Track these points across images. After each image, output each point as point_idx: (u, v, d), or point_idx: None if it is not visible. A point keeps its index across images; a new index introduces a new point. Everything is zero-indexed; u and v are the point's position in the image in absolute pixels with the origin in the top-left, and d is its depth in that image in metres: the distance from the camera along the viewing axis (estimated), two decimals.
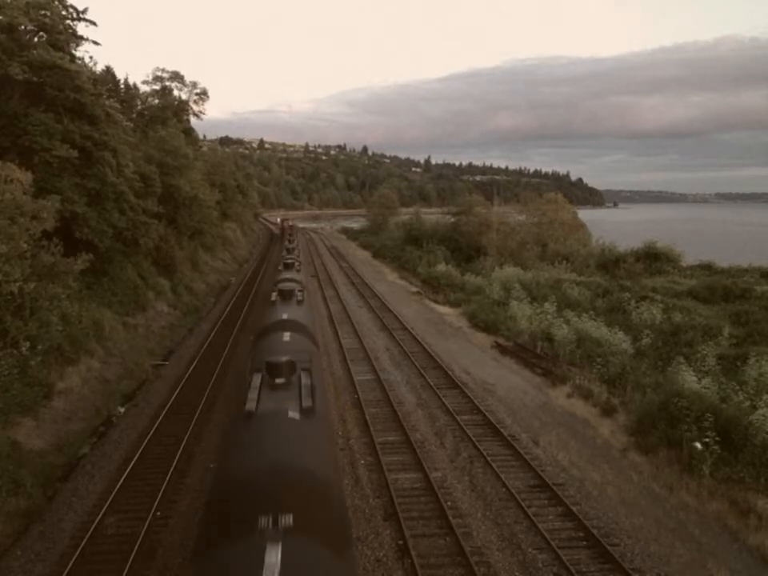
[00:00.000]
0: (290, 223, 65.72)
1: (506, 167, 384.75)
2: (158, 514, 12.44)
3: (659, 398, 17.21)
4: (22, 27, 23.60)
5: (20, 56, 22.38)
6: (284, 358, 9.01)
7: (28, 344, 17.36)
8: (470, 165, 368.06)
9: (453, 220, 61.21)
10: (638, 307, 30.63)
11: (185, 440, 15.90)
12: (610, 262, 47.12)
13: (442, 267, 47.34)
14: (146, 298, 29.37)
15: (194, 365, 22.77)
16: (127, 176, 26.80)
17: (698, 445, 14.84)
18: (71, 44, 26.32)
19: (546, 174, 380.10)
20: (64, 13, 25.89)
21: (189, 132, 54.28)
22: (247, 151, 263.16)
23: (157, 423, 17.08)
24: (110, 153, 25.68)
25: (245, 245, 73.44)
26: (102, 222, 24.33)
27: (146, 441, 15.88)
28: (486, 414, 18.11)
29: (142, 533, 11.58)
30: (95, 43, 28.14)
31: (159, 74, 53.10)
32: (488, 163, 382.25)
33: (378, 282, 45.30)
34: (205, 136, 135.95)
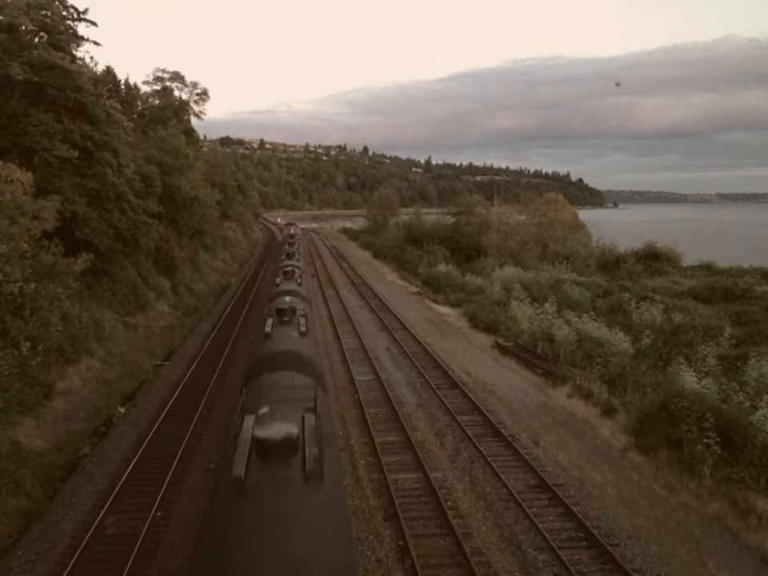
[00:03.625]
0: (292, 231, 59.08)
1: (507, 167, 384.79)
2: (159, 514, 12.44)
3: (659, 399, 17.21)
4: (23, 27, 23.63)
5: (20, 56, 22.40)
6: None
7: (28, 344, 17.35)
8: (470, 165, 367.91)
9: (453, 220, 61.16)
10: (638, 307, 30.64)
11: (185, 441, 15.90)
12: (611, 263, 47.15)
13: (442, 267, 47.32)
14: (146, 298, 29.37)
15: (194, 365, 22.78)
16: (127, 176, 26.79)
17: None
18: (72, 44, 26.32)
19: (547, 175, 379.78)
20: (64, 13, 25.91)
21: (189, 132, 54.25)
22: (248, 151, 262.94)
23: (157, 424, 17.08)
24: (111, 153, 25.68)
25: (245, 245, 73.45)
26: (102, 222, 24.33)
27: (146, 441, 15.88)
28: (487, 414, 18.11)
29: (143, 533, 11.59)
30: (96, 43, 28.20)
31: (160, 74, 53.17)
32: (488, 163, 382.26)
33: (379, 282, 45.29)
34: (205, 136, 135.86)
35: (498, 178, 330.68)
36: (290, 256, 29.86)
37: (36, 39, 24.53)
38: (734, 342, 24.42)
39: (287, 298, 15.50)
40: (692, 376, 19.15)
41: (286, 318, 12.76)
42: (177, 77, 54.48)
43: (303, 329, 12.18)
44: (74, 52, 26.44)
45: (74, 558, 10.82)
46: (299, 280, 20.79)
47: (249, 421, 6.19)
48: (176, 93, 54.76)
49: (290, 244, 37.64)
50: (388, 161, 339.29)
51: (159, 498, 12.92)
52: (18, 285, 17.08)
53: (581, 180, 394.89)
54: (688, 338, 24.89)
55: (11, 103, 22.85)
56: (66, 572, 10.49)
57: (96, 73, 29.72)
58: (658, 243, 48.95)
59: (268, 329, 12.13)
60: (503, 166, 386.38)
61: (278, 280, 20.94)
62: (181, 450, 15.33)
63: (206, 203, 41.19)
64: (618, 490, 14.10)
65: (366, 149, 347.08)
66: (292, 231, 58.40)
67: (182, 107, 54.65)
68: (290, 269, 22.18)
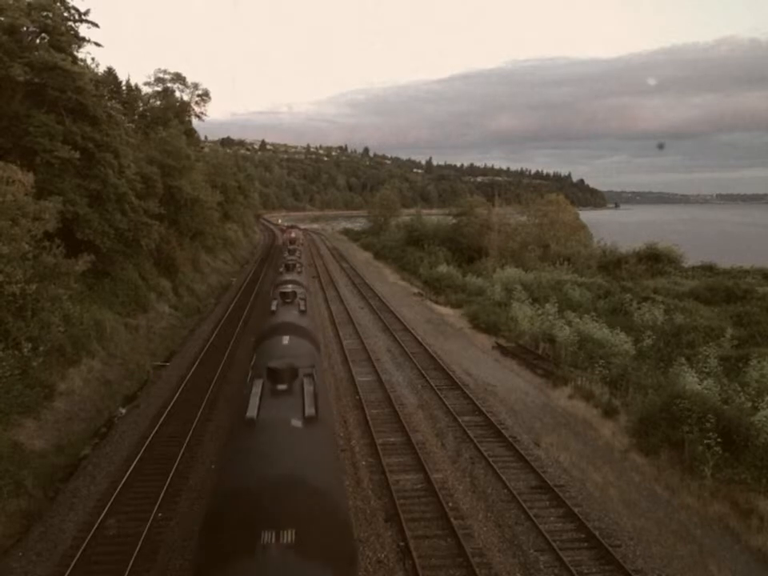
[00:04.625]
0: (293, 235, 49.00)
1: (508, 168, 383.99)
2: (160, 515, 12.44)
3: (661, 399, 17.19)
4: (24, 29, 23.64)
5: (22, 57, 22.42)
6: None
7: (29, 345, 17.38)
8: (471, 166, 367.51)
9: (454, 221, 61.15)
10: (639, 308, 30.62)
11: (186, 441, 15.90)
12: (612, 263, 47.14)
13: (443, 268, 47.30)
14: (147, 299, 29.40)
15: (195, 366, 22.77)
16: (129, 177, 26.83)
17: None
18: (73, 45, 26.31)
19: (548, 175, 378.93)
20: (66, 14, 25.95)
21: (190, 133, 54.33)
22: (249, 152, 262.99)
23: (158, 424, 17.07)
24: (112, 154, 25.72)
25: (246, 245, 73.52)
26: (103, 222, 24.37)
27: (147, 442, 15.87)
28: (488, 414, 18.10)
29: (144, 534, 11.59)
30: (97, 45, 28.21)
31: (161, 75, 53.32)
32: (489, 164, 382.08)
33: (379, 283, 45.28)
34: (206, 137, 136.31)
35: (498, 178, 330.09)
36: (289, 268, 24.58)
37: (37, 40, 24.55)
38: (736, 343, 24.39)
39: (285, 341, 11.08)
40: (693, 377, 19.13)
41: (281, 387, 8.17)
42: (178, 78, 54.65)
43: (311, 411, 7.34)
44: (75, 53, 26.44)
45: (75, 559, 10.82)
46: (302, 305, 15.19)
47: None
48: (177, 94, 54.95)
49: (290, 251, 32.95)
50: (389, 161, 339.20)
51: (160, 499, 12.92)
52: (19, 286, 17.09)
53: (582, 181, 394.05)
54: (689, 338, 24.88)
55: (13, 104, 22.88)
56: (68, 573, 10.48)
57: (97, 74, 29.79)
58: (659, 244, 48.94)
59: (251, 412, 7.22)
60: (504, 167, 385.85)
61: (273, 305, 15.15)
62: (182, 450, 15.33)
63: (206, 204, 41.23)
64: (620, 491, 14.09)
65: (366, 150, 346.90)
66: (293, 235, 49.38)
67: (183, 108, 54.75)
68: (289, 288, 16.95)
